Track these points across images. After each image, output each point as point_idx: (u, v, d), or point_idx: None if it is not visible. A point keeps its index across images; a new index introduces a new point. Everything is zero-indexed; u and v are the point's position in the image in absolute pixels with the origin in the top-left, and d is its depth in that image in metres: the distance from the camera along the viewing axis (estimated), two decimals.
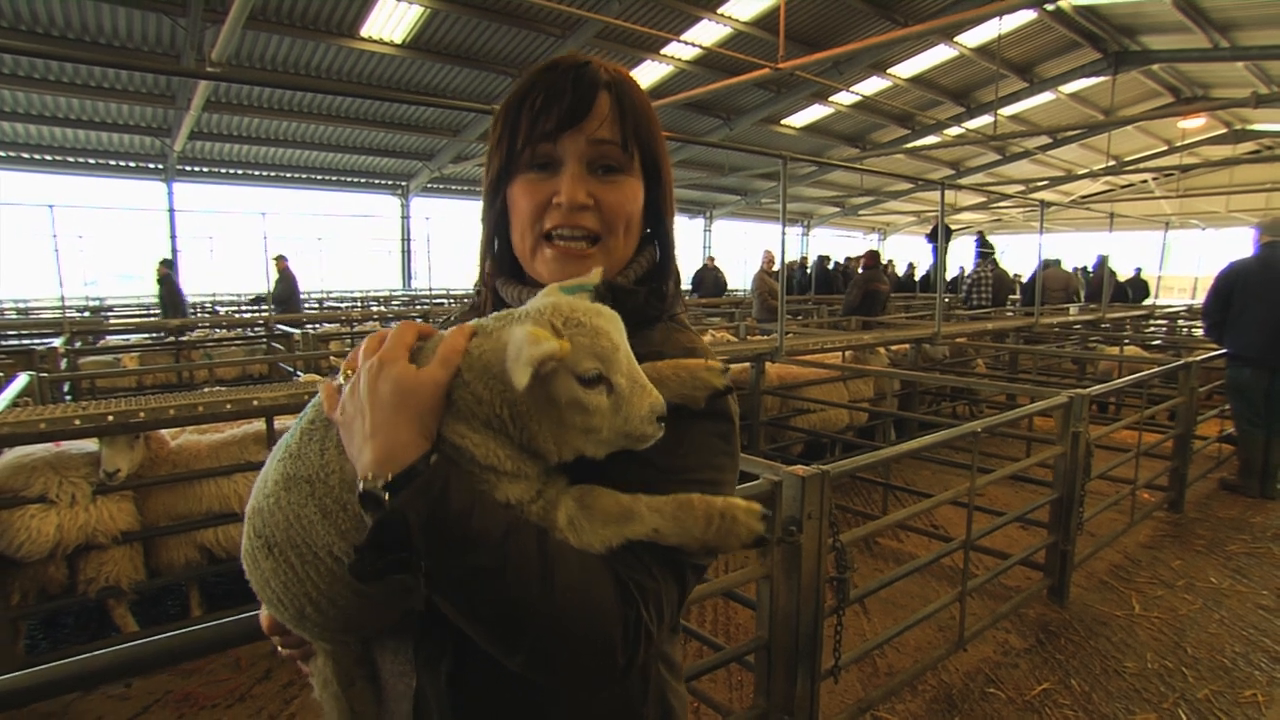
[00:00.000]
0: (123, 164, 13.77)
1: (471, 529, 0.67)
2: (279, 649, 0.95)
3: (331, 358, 6.65)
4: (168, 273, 10.44)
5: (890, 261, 19.96)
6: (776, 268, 9.90)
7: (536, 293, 0.89)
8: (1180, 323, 11.10)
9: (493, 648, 0.71)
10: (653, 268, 0.98)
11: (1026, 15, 11.67)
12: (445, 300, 15.82)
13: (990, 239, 12.02)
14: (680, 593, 0.80)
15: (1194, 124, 17.43)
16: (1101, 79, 14.23)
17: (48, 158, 12.98)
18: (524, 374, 0.65)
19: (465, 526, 0.67)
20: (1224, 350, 5.57)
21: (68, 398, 5.90)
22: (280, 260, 10.45)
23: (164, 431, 3.33)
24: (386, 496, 0.66)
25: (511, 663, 0.71)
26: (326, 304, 15.12)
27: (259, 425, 3.51)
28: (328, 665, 0.90)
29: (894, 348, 6.98)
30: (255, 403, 3.18)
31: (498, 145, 0.92)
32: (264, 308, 10.75)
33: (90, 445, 3.14)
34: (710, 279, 14.41)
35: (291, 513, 0.77)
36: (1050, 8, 11.54)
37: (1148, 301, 15.04)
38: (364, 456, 0.70)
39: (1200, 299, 14.00)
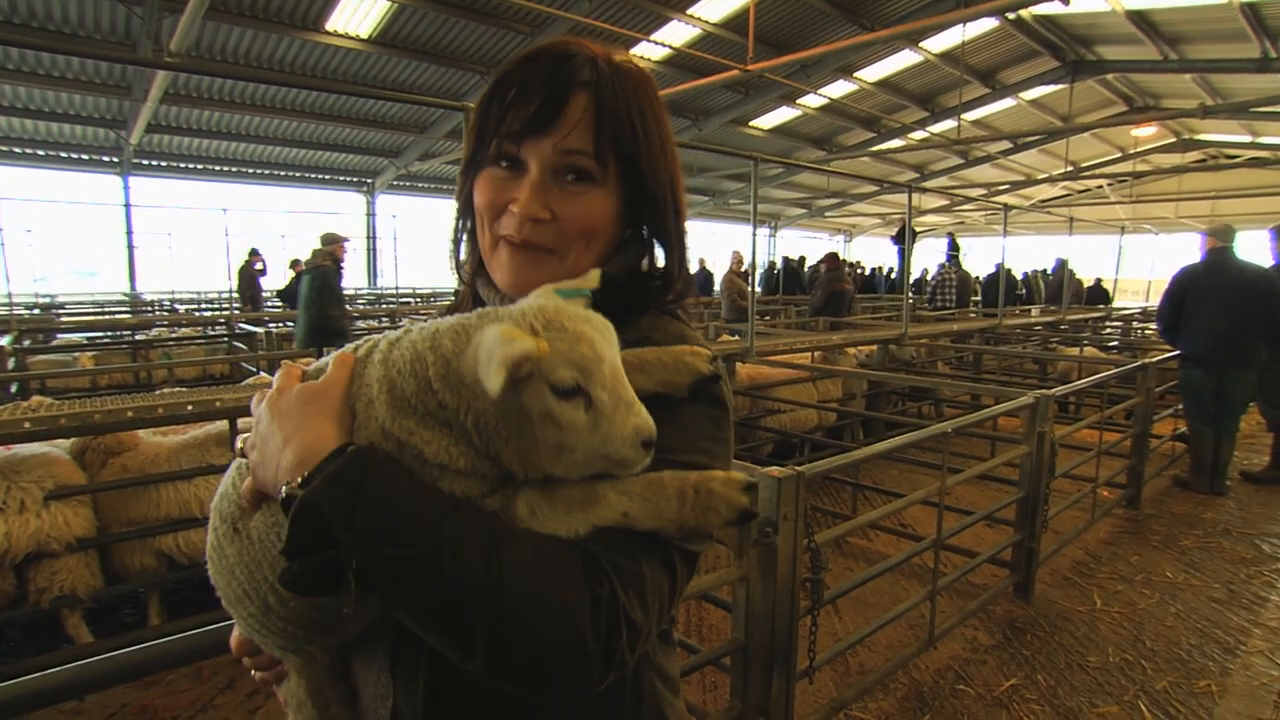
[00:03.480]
0: (75, 156, 13.29)
1: (400, 514, 0.62)
2: (251, 671, 0.90)
3: (296, 358, 6.50)
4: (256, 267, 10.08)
5: (858, 262, 20.31)
6: (745, 268, 9.97)
7: (506, 298, 0.86)
8: (1135, 324, 11.45)
9: (449, 650, 0.64)
10: (641, 266, 0.92)
11: (989, 23, 11.94)
12: (411, 299, 15.60)
13: (958, 241, 12.32)
14: (671, 583, 0.71)
15: (1146, 132, 18.02)
16: (1060, 86, 14.63)
17: None
18: (497, 377, 0.59)
19: (393, 511, 0.62)
20: (1177, 351, 5.75)
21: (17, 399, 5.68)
22: None
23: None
24: (300, 493, 0.62)
25: (473, 667, 0.63)
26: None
27: (221, 426, 3.41)
28: (301, 686, 0.84)
29: (862, 348, 7.07)
30: (217, 404, 3.09)
31: (470, 134, 0.88)
32: None
33: (41, 448, 3.02)
34: None
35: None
36: (1012, 16, 11.81)
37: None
38: (283, 466, 0.67)
39: (1153, 301, 14.61)
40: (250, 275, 11.28)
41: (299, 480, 0.64)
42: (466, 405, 0.65)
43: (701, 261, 15.48)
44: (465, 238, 0.94)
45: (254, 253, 11.15)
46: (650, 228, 0.91)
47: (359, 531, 0.61)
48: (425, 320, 0.75)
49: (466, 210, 0.90)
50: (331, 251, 6.70)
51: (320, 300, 6.45)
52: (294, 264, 10.60)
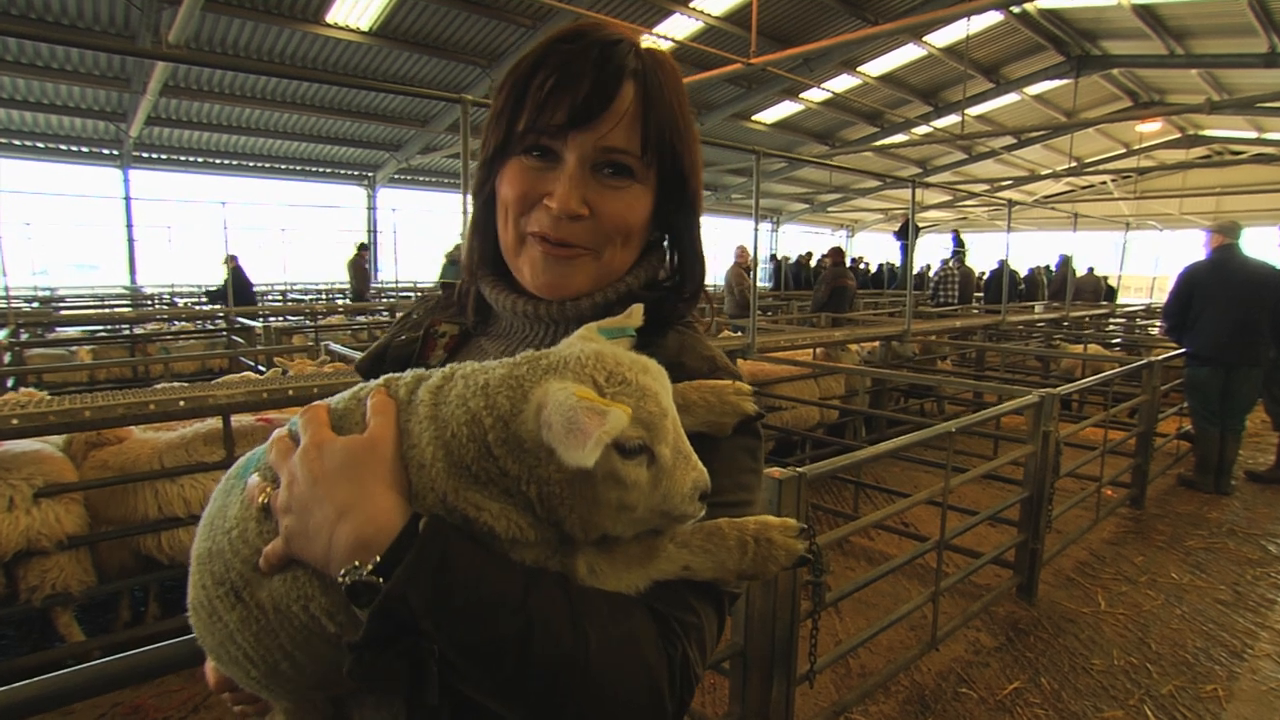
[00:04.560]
0: (75, 149, 13.22)
1: (485, 596, 0.58)
2: (231, 707, 0.84)
3: (294, 354, 6.45)
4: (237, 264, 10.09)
5: (860, 258, 20.28)
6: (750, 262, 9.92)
7: (525, 301, 0.84)
8: (1138, 321, 11.38)
9: None
10: (665, 272, 0.89)
11: (994, 17, 11.83)
12: (411, 294, 15.54)
13: (963, 237, 12.31)
14: (720, 625, 0.73)
15: (1150, 128, 17.90)
16: (1064, 82, 14.51)
17: None
18: (593, 454, 0.54)
19: (478, 594, 0.58)
20: (1184, 349, 5.69)
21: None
22: None
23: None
24: (381, 581, 0.56)
25: None
26: (290, 296, 14.75)
27: (213, 423, 3.36)
28: None
29: (864, 345, 7.02)
30: (211, 400, 3.05)
31: (497, 119, 0.79)
32: None
33: (33, 444, 2.98)
34: None
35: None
36: (1017, 10, 11.71)
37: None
38: (340, 542, 0.59)
39: (1158, 298, 14.48)
40: (360, 268, 11.55)
41: (370, 565, 0.57)
42: (529, 472, 0.61)
43: None
44: (477, 231, 0.88)
45: (363, 247, 11.63)
46: (678, 231, 0.88)
47: (446, 619, 0.56)
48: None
49: (489, 203, 0.84)
50: None
51: None
52: (228, 259, 10.30)
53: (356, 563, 0.58)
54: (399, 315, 0.99)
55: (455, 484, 0.61)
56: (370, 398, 0.67)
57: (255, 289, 11.35)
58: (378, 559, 0.57)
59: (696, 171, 0.84)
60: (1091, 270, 15.13)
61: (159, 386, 3.64)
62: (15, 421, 2.50)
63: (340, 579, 0.58)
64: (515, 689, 0.59)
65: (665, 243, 0.91)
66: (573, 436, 0.55)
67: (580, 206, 0.76)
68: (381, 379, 0.70)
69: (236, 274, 10.27)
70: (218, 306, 9.95)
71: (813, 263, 17.02)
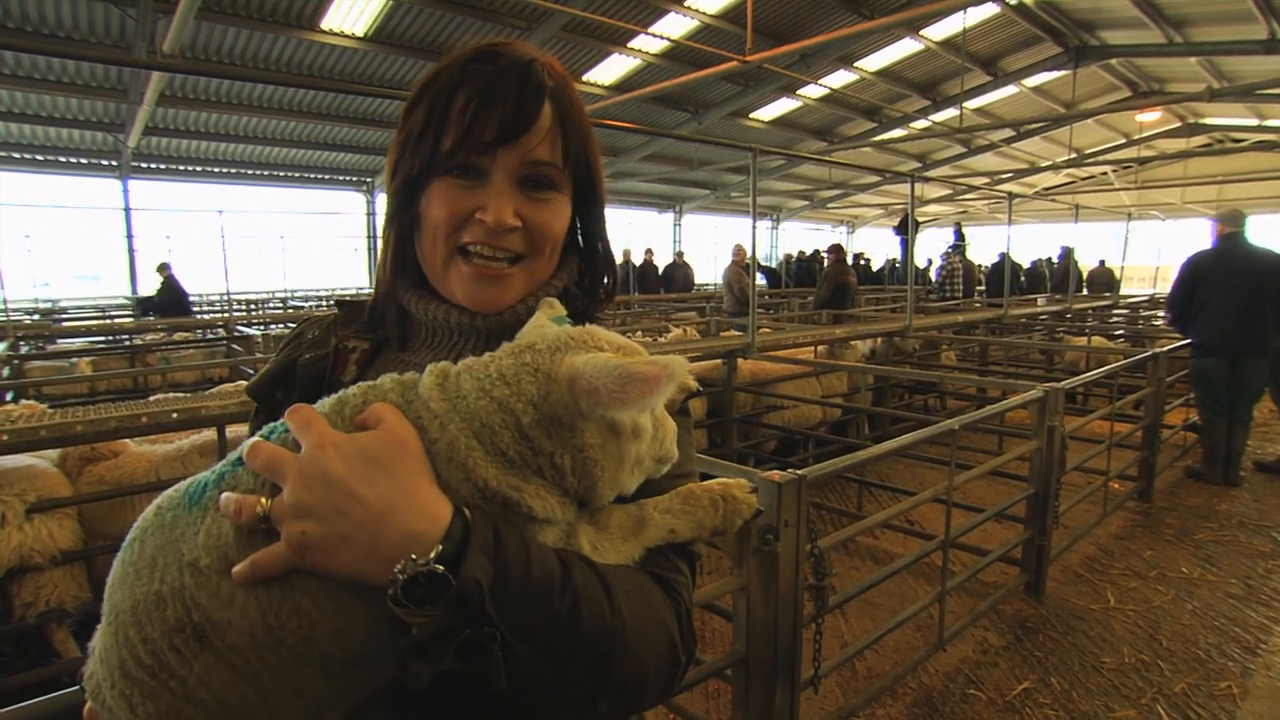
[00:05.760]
0: (74, 160, 13.23)
1: (537, 577, 0.60)
2: None
3: None
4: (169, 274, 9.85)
5: (861, 253, 20.22)
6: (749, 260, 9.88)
7: (459, 312, 0.85)
8: (1142, 312, 11.30)
9: (574, 697, 0.64)
10: (580, 274, 0.95)
11: (990, 9, 11.77)
12: None
13: (964, 231, 12.27)
14: (693, 579, 0.80)
15: (1150, 117, 17.80)
16: (1063, 73, 14.44)
17: None
18: (667, 390, 0.61)
19: (531, 576, 0.60)
20: (1189, 340, 5.63)
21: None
22: None
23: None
24: (440, 569, 0.56)
25: (593, 712, 0.65)
26: (290, 303, 14.74)
27: (210, 435, 3.33)
28: None
29: (866, 341, 6.97)
30: (205, 411, 3.02)
31: (418, 140, 0.80)
32: None
33: (25, 459, 2.95)
34: (680, 275, 14.44)
35: None
36: (1013, 1, 11.65)
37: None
38: (388, 540, 0.57)
39: (1161, 288, 14.40)
40: None
41: (435, 552, 0.57)
42: (562, 445, 0.64)
43: (679, 255, 15.83)
44: (391, 247, 0.89)
45: None
46: (591, 234, 0.94)
47: (508, 602, 0.58)
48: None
49: (414, 222, 0.85)
50: None
51: None
52: (161, 268, 10.00)
53: (414, 555, 0.57)
54: (289, 333, 0.98)
55: (498, 472, 0.63)
56: (371, 403, 0.67)
57: (253, 296, 11.22)
58: (439, 548, 0.57)
59: (602, 178, 0.92)
60: (1103, 263, 15.06)
61: (154, 398, 3.61)
62: (5, 437, 2.47)
63: (395, 575, 0.56)
64: (565, 664, 0.62)
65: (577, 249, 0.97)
66: (633, 386, 0.60)
67: (514, 219, 0.80)
68: (356, 387, 0.68)
69: (169, 284, 9.92)
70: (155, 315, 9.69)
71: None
